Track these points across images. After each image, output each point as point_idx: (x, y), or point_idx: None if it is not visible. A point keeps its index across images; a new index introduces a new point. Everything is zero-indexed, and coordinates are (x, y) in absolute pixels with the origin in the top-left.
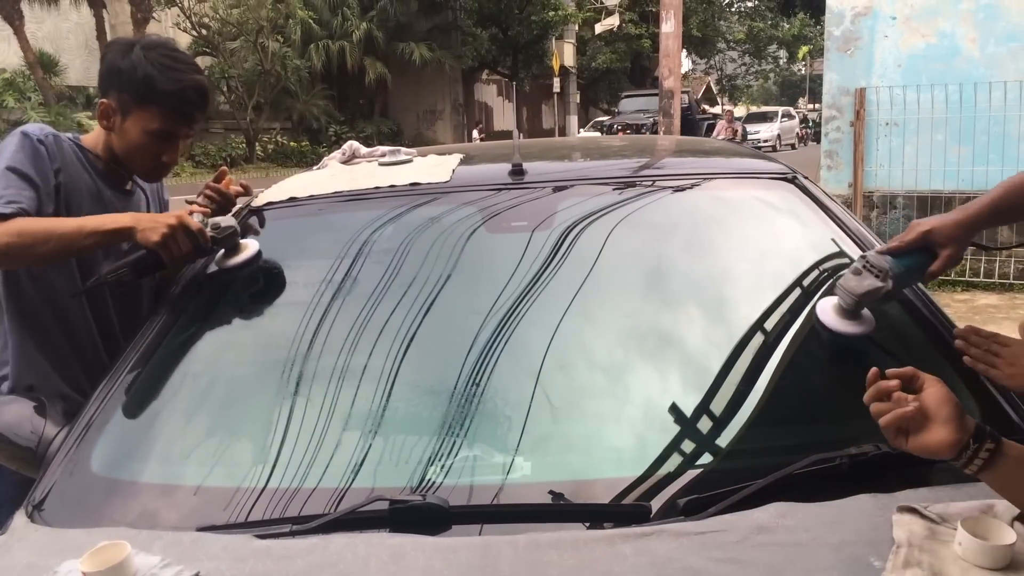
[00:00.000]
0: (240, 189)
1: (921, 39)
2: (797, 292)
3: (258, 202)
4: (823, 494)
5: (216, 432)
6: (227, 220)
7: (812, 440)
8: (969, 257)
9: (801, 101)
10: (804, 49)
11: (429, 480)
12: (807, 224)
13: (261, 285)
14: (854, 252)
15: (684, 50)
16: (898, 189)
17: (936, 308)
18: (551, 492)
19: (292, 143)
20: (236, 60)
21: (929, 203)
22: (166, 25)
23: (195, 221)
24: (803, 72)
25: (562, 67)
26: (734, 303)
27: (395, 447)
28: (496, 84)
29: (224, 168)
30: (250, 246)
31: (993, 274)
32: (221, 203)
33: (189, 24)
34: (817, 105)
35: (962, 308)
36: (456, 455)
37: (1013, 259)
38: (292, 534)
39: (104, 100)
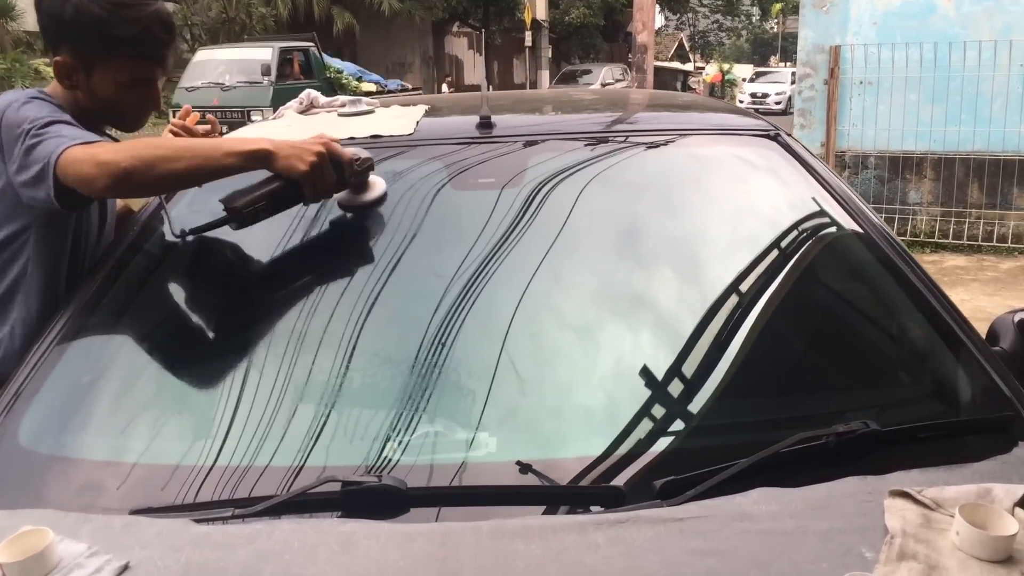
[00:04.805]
0: (208, 128)
1: None
2: (779, 256)
3: None
4: (808, 475)
5: (156, 404)
6: (363, 151)
7: (795, 415)
8: (939, 218)
9: (772, 59)
10: (777, 6)
11: (386, 458)
12: (790, 184)
13: (207, 246)
14: (839, 214)
15: (657, 6)
16: (870, 149)
17: (931, 281)
18: (518, 469)
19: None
20: (199, 7)
21: (901, 163)
22: None
23: (344, 148)
24: (775, 30)
25: (534, 21)
26: (712, 267)
27: (350, 422)
28: (467, 37)
29: (187, 106)
30: (378, 183)
31: (962, 235)
32: None
33: None
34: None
35: (931, 269)
36: (415, 431)
37: (982, 221)
38: (234, 518)
39: (58, 58)
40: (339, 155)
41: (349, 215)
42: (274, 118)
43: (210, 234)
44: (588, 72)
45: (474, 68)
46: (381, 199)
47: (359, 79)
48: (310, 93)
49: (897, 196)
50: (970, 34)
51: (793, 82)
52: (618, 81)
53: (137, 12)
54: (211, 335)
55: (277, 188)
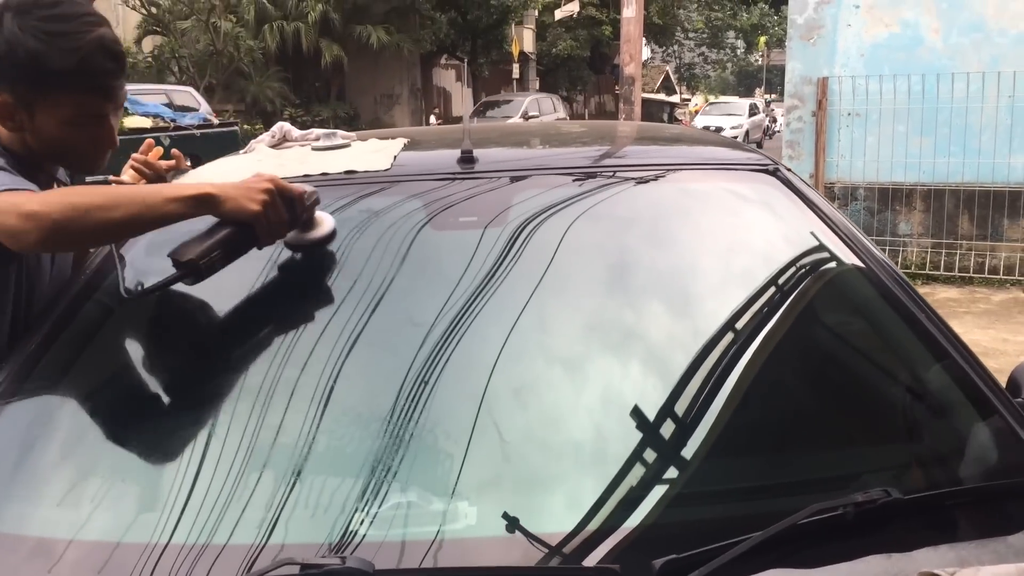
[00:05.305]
0: (172, 163)
1: (884, 28)
2: (783, 300)
3: None
4: (825, 552)
5: (97, 475)
6: (308, 186)
7: (805, 478)
8: (930, 250)
9: (758, 91)
10: (761, 39)
11: (352, 535)
12: (791, 221)
13: (159, 298)
14: (844, 253)
15: (643, 38)
16: (859, 181)
17: (947, 327)
18: (501, 545)
19: (245, 125)
20: (187, 40)
21: (890, 195)
22: (114, 2)
23: (293, 185)
24: (760, 62)
25: (521, 53)
26: (715, 317)
27: (313, 493)
28: (455, 69)
29: (150, 140)
30: (325, 219)
31: (953, 267)
32: (151, 179)
33: (138, 2)
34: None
35: None
36: (385, 502)
37: (973, 253)
38: None
39: None
40: (288, 191)
41: (315, 259)
42: (244, 152)
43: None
44: (508, 103)
45: (462, 100)
46: (330, 236)
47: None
48: (283, 126)
49: (887, 228)
50: (958, 65)
51: (751, 114)
52: (547, 114)
53: (76, 41)
54: (160, 397)
55: (229, 234)
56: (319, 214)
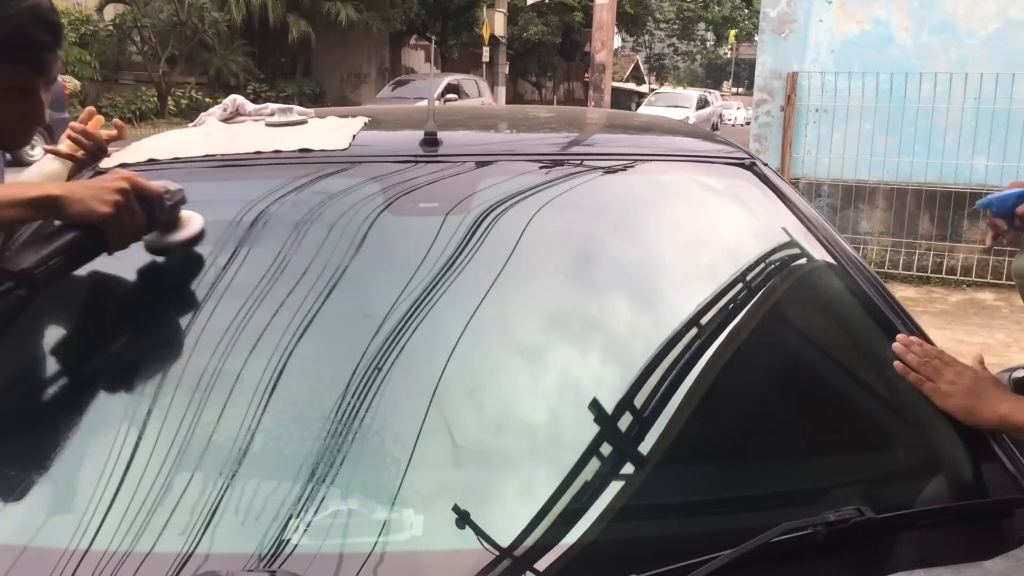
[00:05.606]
0: (113, 133)
1: (856, 25)
2: (758, 303)
3: (108, 163)
4: (793, 573)
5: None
6: (172, 184)
7: (774, 491)
8: (889, 248)
9: (725, 84)
10: (731, 33)
11: (285, 544)
12: (766, 218)
13: (84, 280)
14: (820, 253)
15: (615, 27)
16: (824, 177)
17: (912, 322)
18: (448, 562)
19: (208, 99)
20: (150, 10)
21: (853, 193)
22: None
23: (151, 183)
24: (729, 56)
25: (492, 36)
26: (688, 318)
27: (244, 498)
28: (424, 50)
29: (91, 108)
30: (193, 219)
31: (912, 266)
32: (91, 150)
33: None
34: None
35: None
36: (324, 509)
37: (932, 252)
38: None
39: None
40: (146, 190)
41: (259, 245)
42: (193, 125)
43: (87, 267)
44: (423, 80)
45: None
46: (197, 238)
47: None
48: (236, 99)
49: (849, 225)
50: (926, 66)
51: (700, 107)
52: (471, 98)
53: (6, 9)
54: (78, 394)
55: (74, 239)
56: (186, 213)
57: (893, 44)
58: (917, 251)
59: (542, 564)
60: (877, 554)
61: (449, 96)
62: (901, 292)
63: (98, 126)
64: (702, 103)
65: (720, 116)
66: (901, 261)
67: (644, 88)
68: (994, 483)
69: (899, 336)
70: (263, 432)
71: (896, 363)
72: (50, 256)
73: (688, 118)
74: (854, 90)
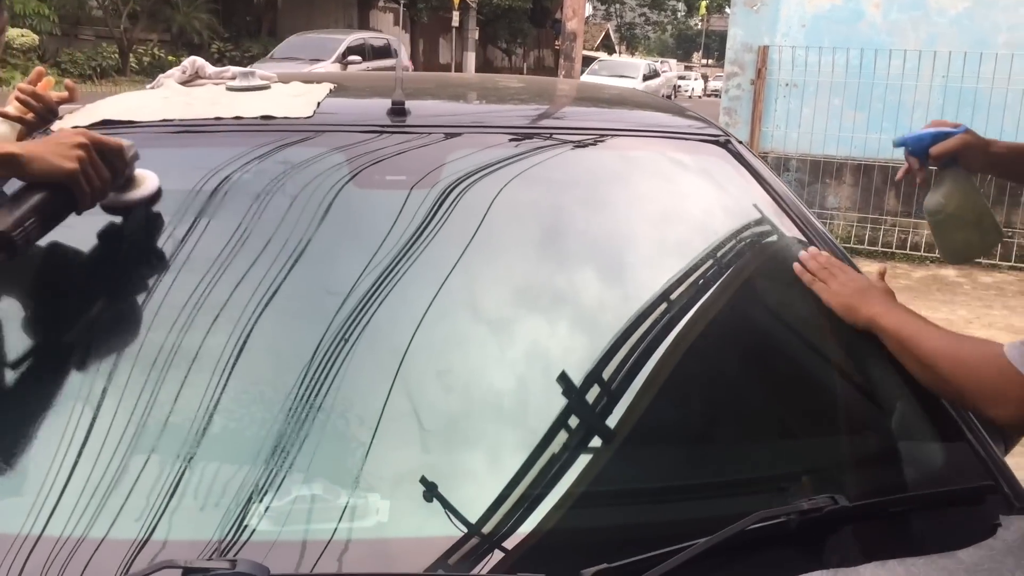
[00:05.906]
0: (64, 95)
1: (827, 0)
2: (729, 282)
3: (60, 126)
4: (765, 562)
5: None
6: (125, 139)
7: (745, 476)
8: (855, 224)
9: (696, 56)
10: (703, 4)
11: (245, 531)
12: (740, 197)
13: (33, 252)
14: (793, 232)
15: None
16: (792, 152)
17: None
18: (414, 549)
19: (171, 57)
20: None
21: (821, 168)
22: None
23: (111, 138)
24: (700, 27)
25: (462, 1)
26: (656, 298)
27: (203, 482)
28: (393, 13)
29: (40, 69)
30: (148, 177)
31: (877, 242)
32: (41, 112)
33: None
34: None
35: None
36: (284, 494)
37: (897, 228)
38: None
39: None
40: (105, 144)
41: (218, 216)
42: (151, 87)
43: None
44: (321, 41)
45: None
46: (154, 196)
47: None
48: (195, 61)
49: (816, 200)
50: (896, 43)
51: (646, 77)
52: (379, 59)
53: None
54: (27, 371)
55: (43, 199)
56: (140, 171)
57: (863, 20)
58: (882, 227)
59: (511, 551)
60: (852, 543)
61: (351, 58)
62: (865, 267)
63: (48, 87)
64: (651, 74)
65: (676, 87)
66: (867, 236)
67: (615, 57)
68: (967, 469)
69: (809, 248)
70: (223, 413)
71: (795, 265)
72: (25, 216)
73: (636, 89)
74: (824, 65)
